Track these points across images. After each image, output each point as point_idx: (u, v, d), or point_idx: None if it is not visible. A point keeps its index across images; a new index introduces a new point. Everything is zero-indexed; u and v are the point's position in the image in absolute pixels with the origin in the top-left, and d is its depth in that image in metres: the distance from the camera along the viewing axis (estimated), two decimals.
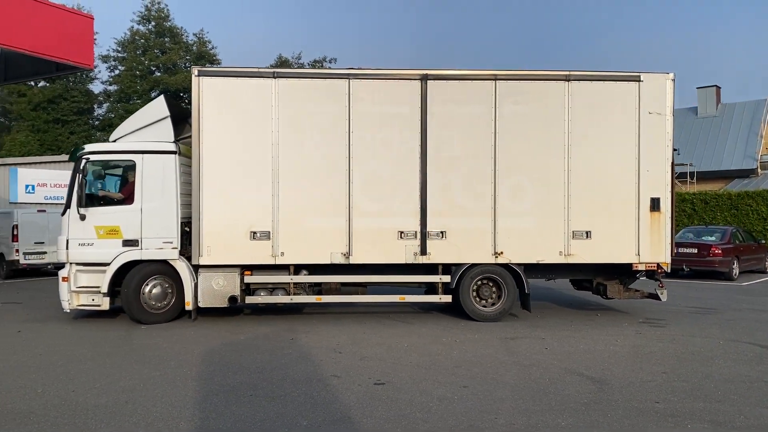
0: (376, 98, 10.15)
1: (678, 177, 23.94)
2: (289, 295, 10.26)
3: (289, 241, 10.03)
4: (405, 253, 10.16)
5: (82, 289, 9.94)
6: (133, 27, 44.70)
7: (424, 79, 10.17)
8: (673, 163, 10.53)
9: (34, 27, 12.60)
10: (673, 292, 12.89)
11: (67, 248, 9.88)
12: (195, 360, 7.67)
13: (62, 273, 9.96)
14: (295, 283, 10.25)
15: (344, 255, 10.09)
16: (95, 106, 48.90)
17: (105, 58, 45.39)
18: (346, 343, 8.73)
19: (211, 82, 9.96)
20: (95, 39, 15.13)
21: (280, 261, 10.05)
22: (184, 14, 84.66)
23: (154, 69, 45.45)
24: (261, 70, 10.09)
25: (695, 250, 18.28)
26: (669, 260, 10.50)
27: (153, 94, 41.17)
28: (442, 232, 10.19)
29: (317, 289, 10.57)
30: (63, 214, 10.07)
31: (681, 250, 17.52)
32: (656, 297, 10.68)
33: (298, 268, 10.25)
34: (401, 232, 10.15)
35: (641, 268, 10.49)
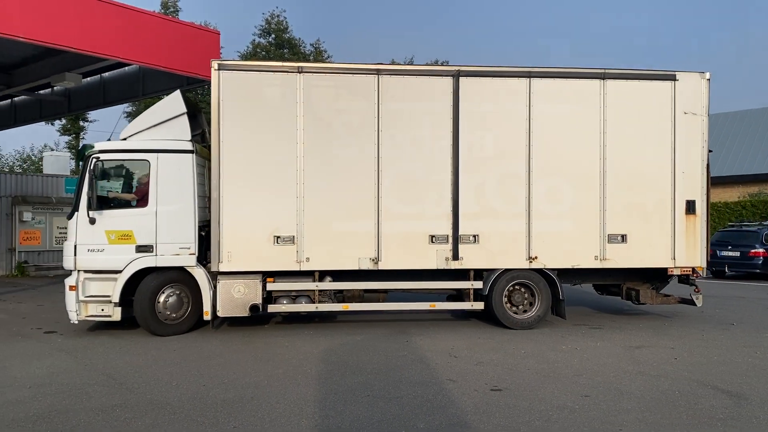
0: (407, 95, 9.64)
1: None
2: (314, 303, 9.67)
3: (315, 246, 9.45)
4: (436, 258, 9.67)
5: (91, 298, 9.19)
6: (254, 40, 44.88)
7: (457, 75, 9.69)
8: (708, 165, 10.25)
9: (168, 45, 13.44)
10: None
11: (75, 254, 9.12)
12: (314, 359, 7.87)
13: (69, 281, 9.20)
14: (320, 291, 9.67)
15: (373, 260, 9.55)
16: None
17: None
18: (461, 347, 8.57)
19: (233, 77, 9.32)
20: (221, 53, 16.62)
21: (305, 267, 9.46)
22: (302, 25, 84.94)
23: None
24: (285, 64, 9.53)
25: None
26: (705, 264, 10.22)
27: None
28: (475, 236, 9.72)
29: (340, 296, 10.01)
30: (70, 217, 9.32)
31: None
32: (691, 302, 10.36)
33: (321, 275, 9.68)
34: (432, 236, 9.65)
35: (676, 272, 10.18)
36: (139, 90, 16.58)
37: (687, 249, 10.10)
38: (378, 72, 9.63)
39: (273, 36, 42.89)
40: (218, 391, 6.43)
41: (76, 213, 9.20)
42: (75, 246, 9.14)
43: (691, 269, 10.17)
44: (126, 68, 15.81)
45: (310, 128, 9.43)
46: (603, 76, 9.98)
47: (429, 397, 6.12)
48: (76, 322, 9.24)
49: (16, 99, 19.68)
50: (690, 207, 10.09)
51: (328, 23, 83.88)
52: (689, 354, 8.22)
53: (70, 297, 9.15)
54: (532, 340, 9.08)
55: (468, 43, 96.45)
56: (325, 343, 8.89)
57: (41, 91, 18.17)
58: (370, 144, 9.55)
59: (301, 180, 9.40)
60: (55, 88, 17.20)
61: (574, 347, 8.62)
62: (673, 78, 10.10)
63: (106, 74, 16.84)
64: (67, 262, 9.20)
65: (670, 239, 10.07)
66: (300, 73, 9.43)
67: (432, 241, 9.66)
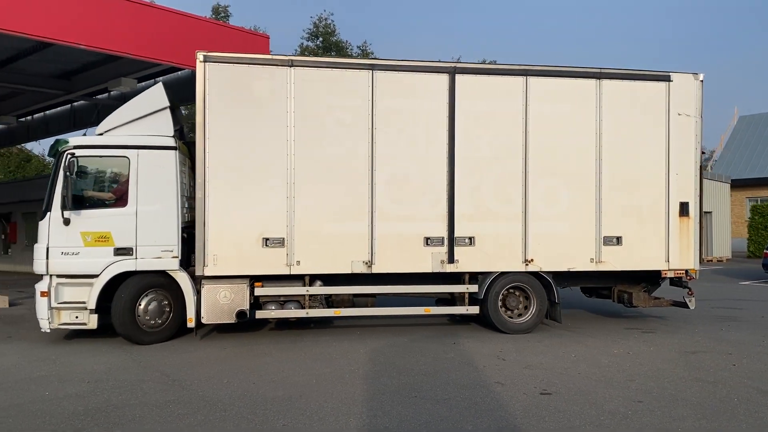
0: (402, 92, 9.29)
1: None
2: (305, 308, 9.22)
3: (306, 249, 9.01)
4: (431, 261, 9.33)
5: (64, 305, 8.54)
6: (302, 43, 44.06)
7: (453, 72, 9.38)
8: (701, 167, 10.20)
9: (219, 50, 14.26)
10: None
11: (47, 258, 8.46)
12: (362, 359, 7.93)
13: (40, 287, 8.53)
14: (310, 296, 9.22)
15: (366, 264, 9.15)
16: None
17: None
18: (509, 350, 8.48)
19: (219, 69, 8.80)
20: None
21: (295, 271, 9.00)
22: (349, 28, 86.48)
23: None
24: (275, 57, 9.04)
25: None
26: (698, 267, 10.16)
27: None
28: (470, 238, 9.42)
29: (329, 301, 9.58)
30: (41, 218, 8.64)
31: None
32: (684, 305, 10.27)
33: (311, 279, 9.24)
34: (427, 238, 9.32)
35: (670, 275, 10.10)
36: (191, 93, 16.33)
37: (681, 251, 10.02)
38: (372, 67, 9.25)
39: (321, 39, 42.72)
40: (268, 388, 6.56)
41: (48, 213, 8.55)
42: (47, 248, 8.48)
43: (684, 271, 10.10)
44: (179, 72, 15.81)
45: (302, 125, 8.98)
46: (599, 76, 9.82)
47: (477, 400, 6.08)
48: (48, 330, 8.58)
49: (75, 104, 20.07)
50: (684, 209, 10.01)
51: (376, 25, 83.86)
52: (749, 360, 7.92)
53: (42, 304, 8.49)
54: (582, 344, 8.94)
55: (514, 44, 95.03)
56: (372, 343, 8.89)
57: (98, 96, 18.34)
58: (364, 142, 9.16)
59: (291, 179, 8.94)
60: (111, 92, 17.49)
61: (626, 351, 8.43)
62: (667, 79, 10.00)
63: (160, 78, 16.50)
64: (38, 266, 8.52)
65: (664, 241, 9.97)
66: (291, 66, 8.97)
67: (427, 244, 9.32)
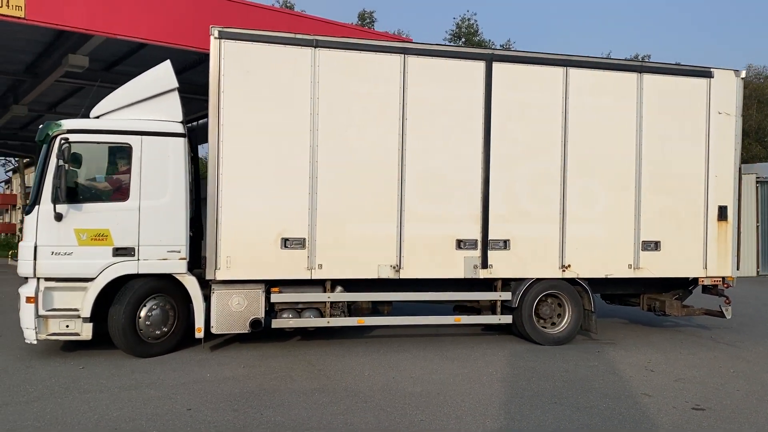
0: (435, 79, 8.45)
1: None
2: (325, 317, 8.31)
3: (328, 251, 8.10)
4: (464, 265, 8.54)
5: (54, 312, 7.42)
6: None
7: (490, 59, 8.60)
8: (740, 168, 9.68)
9: None
10: None
11: (34, 258, 7.32)
12: (500, 362, 7.85)
13: (26, 291, 7.39)
14: (332, 303, 8.32)
15: (394, 268, 8.31)
16: None
17: None
18: (658, 360, 8.16)
19: (236, 48, 7.81)
20: None
21: (317, 275, 8.09)
22: (492, 27, 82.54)
23: None
24: (298, 36, 8.07)
25: None
26: (735, 274, 9.64)
27: None
28: (505, 242, 8.67)
29: (350, 309, 8.68)
30: (28, 212, 7.51)
31: None
32: (720, 314, 9.72)
33: (332, 285, 8.34)
34: (460, 241, 8.52)
35: (707, 282, 9.55)
36: None
37: (719, 258, 9.47)
38: (404, 51, 8.39)
39: (463, 40, 41.77)
40: (407, 384, 6.75)
41: (36, 207, 7.41)
42: (35, 247, 7.34)
43: (721, 279, 9.57)
44: None
45: (326, 113, 8.06)
46: (640, 69, 9.20)
47: (621, 410, 5.90)
48: (35, 342, 7.43)
49: None
50: (722, 213, 9.48)
51: (521, 23, 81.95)
52: None
53: (27, 311, 7.34)
54: (741, 359, 8.37)
55: (668, 39, 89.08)
56: (511, 346, 8.75)
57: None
58: (394, 133, 8.30)
59: (314, 173, 8.03)
60: None
61: None
62: (708, 74, 9.43)
63: None
64: (24, 268, 7.38)
65: (702, 247, 9.41)
66: (316, 47, 8.04)
67: (459, 247, 8.53)
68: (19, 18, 10.59)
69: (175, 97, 7.90)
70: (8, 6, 10.41)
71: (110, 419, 5.54)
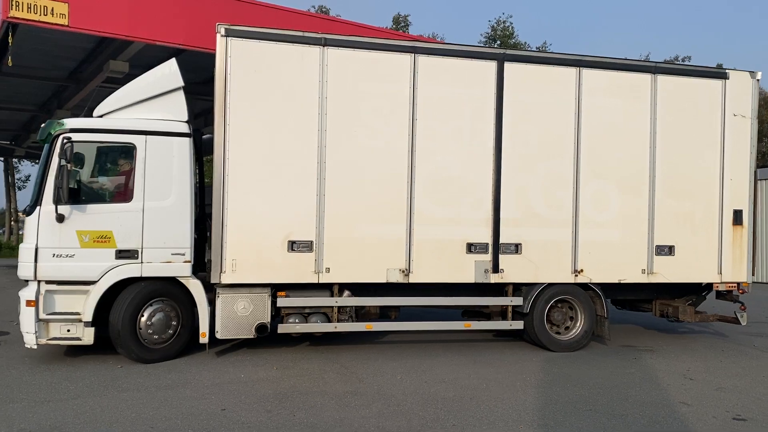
0: (445, 79, 8.27)
1: None
2: (333, 322, 8.11)
3: (336, 254, 7.91)
4: (475, 269, 8.34)
5: (55, 316, 7.23)
6: None
7: (502, 58, 8.43)
8: (756, 172, 9.49)
9: None
10: None
11: (35, 260, 7.13)
12: (534, 367, 7.78)
13: (26, 294, 7.19)
14: (339, 308, 8.12)
15: (403, 272, 8.11)
16: None
17: None
18: (698, 368, 7.97)
19: (243, 46, 7.64)
20: None
21: (324, 279, 7.90)
22: (528, 29, 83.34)
23: None
24: (307, 34, 7.89)
25: None
26: (750, 280, 9.43)
27: None
28: (516, 245, 8.47)
29: (357, 314, 8.49)
30: (29, 213, 7.32)
31: None
32: (735, 321, 9.51)
33: (339, 289, 8.15)
34: (471, 245, 8.32)
35: (722, 288, 9.34)
36: None
37: (734, 263, 9.28)
38: (414, 50, 8.21)
39: (499, 42, 41.09)
40: (439, 388, 6.69)
41: (38, 208, 7.22)
42: (36, 249, 7.15)
43: (736, 284, 9.36)
44: None
45: (335, 113, 7.88)
46: (654, 71, 9.02)
47: (658, 419, 5.78)
48: (35, 347, 7.22)
49: None
50: (737, 217, 9.28)
51: (558, 25, 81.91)
52: None
53: (28, 314, 7.14)
54: None
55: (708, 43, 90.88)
56: (545, 353, 8.64)
57: None
58: (404, 134, 8.12)
59: (322, 174, 7.84)
60: None
61: None
62: (723, 76, 9.26)
63: None
64: (25, 270, 7.19)
65: (717, 252, 9.22)
66: (325, 46, 7.87)
67: (470, 250, 8.33)
68: (63, 26, 10.89)
69: (181, 95, 7.72)
70: (53, 14, 10.72)
71: (146, 418, 5.56)
